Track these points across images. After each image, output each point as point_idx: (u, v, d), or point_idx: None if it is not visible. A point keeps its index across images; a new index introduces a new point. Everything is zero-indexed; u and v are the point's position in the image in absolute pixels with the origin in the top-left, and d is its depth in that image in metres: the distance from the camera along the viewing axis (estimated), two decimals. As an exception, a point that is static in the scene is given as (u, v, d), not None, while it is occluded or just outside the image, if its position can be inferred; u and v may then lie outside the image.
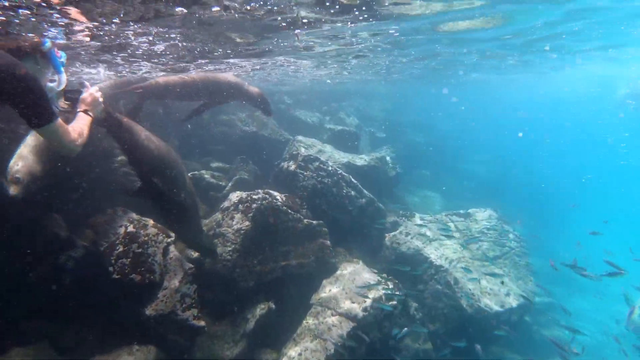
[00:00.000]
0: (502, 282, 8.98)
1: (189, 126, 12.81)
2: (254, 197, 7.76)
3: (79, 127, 3.41)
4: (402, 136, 21.59)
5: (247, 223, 7.46)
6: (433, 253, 9.19)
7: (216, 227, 7.78)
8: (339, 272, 7.89)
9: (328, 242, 8.29)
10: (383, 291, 7.25)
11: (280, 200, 8.06)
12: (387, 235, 9.72)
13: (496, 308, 8.44)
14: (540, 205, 20.22)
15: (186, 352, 6.18)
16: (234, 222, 7.56)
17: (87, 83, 3.77)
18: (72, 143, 3.23)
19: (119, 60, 8.42)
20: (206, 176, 10.37)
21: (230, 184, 10.00)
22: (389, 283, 7.38)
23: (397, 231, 9.76)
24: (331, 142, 13.52)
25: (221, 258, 7.13)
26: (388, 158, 14.29)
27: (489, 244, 10.11)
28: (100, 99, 3.79)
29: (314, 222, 8.34)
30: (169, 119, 11.70)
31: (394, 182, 13.95)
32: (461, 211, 10.99)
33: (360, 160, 11.88)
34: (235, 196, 7.98)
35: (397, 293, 7.31)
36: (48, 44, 3.41)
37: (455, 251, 9.50)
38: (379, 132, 20.27)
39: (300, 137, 11.92)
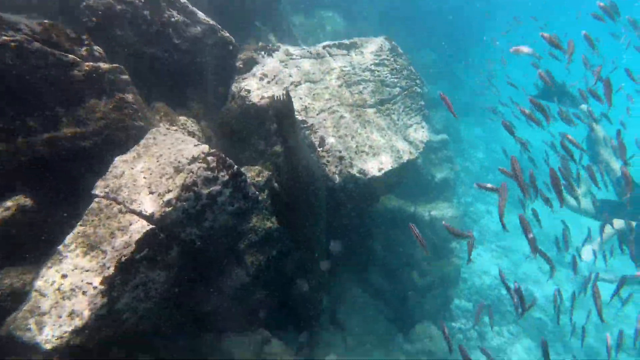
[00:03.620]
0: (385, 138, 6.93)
1: None
2: (-38, 27, 4.45)
3: None
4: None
5: (-50, 75, 4.34)
6: (296, 103, 6.74)
7: None
8: (143, 142, 5.29)
9: (130, 97, 5.47)
10: (201, 172, 4.88)
11: (27, 32, 4.82)
12: (235, 78, 6.99)
13: (373, 173, 6.55)
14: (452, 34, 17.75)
15: None
16: None
17: None
18: None
19: None
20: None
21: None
22: (210, 159, 4.97)
23: (250, 73, 7.03)
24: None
25: None
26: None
27: (375, 85, 7.79)
28: None
29: (104, 65, 5.33)
30: None
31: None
32: (346, 41, 8.29)
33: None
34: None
35: (222, 173, 4.99)
36: None
37: (328, 98, 7.11)
38: None
39: None
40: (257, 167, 6.35)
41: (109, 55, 5.70)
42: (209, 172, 4.90)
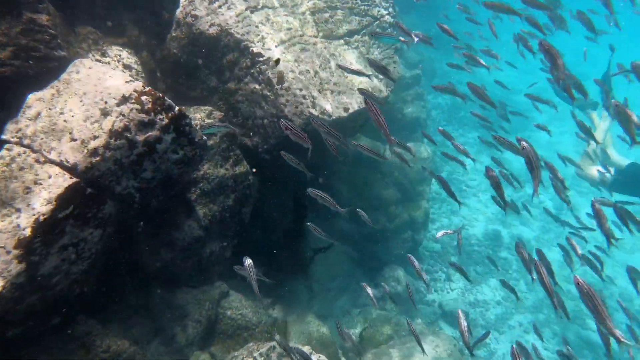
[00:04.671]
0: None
1: None
2: None
3: None
4: None
5: None
6: (252, 32, 5.86)
7: None
8: (64, 76, 4.41)
9: (44, 19, 4.50)
10: (134, 115, 4.11)
11: None
12: (181, 1, 5.99)
13: (337, 113, 5.90)
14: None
15: None
16: None
17: None
18: None
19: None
20: None
21: None
22: (144, 99, 4.18)
23: (197, -5, 6.02)
24: None
25: None
26: None
27: (343, 13, 6.91)
28: None
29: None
30: None
31: None
32: (311, -41, 7.22)
33: None
34: None
35: (160, 116, 4.23)
36: None
37: (289, 27, 6.23)
38: None
39: None
40: (207, 107, 5.60)
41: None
42: (144, 115, 4.14)
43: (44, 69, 4.51)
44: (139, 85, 4.25)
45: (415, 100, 10.90)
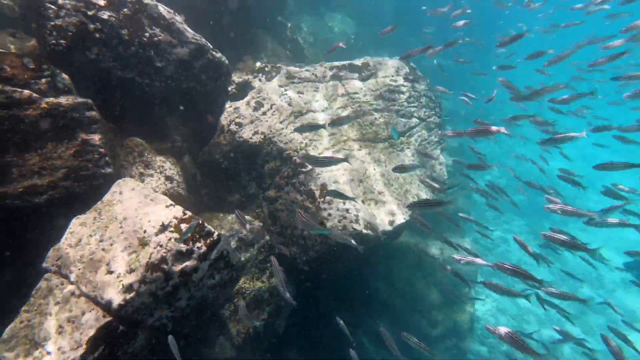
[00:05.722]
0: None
1: None
2: None
3: None
4: None
5: None
6: (295, 140, 5.78)
7: None
8: (107, 197, 4.36)
9: (96, 139, 4.55)
10: (172, 245, 3.96)
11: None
12: (226, 107, 6.04)
13: (382, 227, 5.60)
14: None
15: None
16: None
17: None
18: None
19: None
20: None
21: None
22: (184, 226, 4.04)
23: (244, 101, 6.06)
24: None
25: None
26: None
27: (389, 116, 6.80)
28: None
29: (66, 101, 4.41)
30: None
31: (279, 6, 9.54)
32: (357, 62, 7.27)
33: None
34: None
35: (199, 244, 4.06)
36: None
37: (334, 131, 6.14)
38: None
39: None
40: (246, 216, 5.44)
41: (78, 83, 4.79)
42: (182, 245, 3.99)
43: (90, 187, 4.50)
44: (179, 211, 4.14)
45: (458, 190, 10.52)
